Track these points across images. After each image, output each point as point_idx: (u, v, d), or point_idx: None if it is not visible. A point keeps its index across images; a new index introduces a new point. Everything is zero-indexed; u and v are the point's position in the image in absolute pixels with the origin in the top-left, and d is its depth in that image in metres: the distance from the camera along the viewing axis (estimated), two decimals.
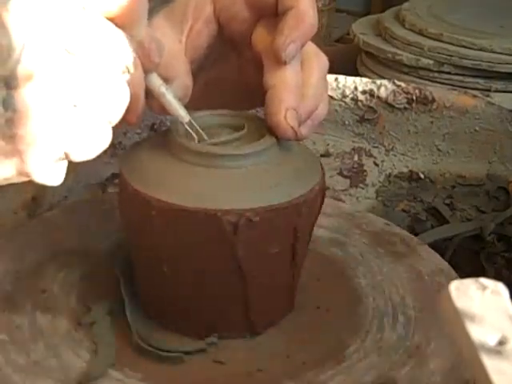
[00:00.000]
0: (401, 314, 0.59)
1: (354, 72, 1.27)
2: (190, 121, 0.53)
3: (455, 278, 0.62)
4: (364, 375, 0.53)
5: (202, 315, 0.56)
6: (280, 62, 0.54)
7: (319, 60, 0.57)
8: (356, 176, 0.88)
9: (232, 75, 0.60)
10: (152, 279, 0.56)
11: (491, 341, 0.33)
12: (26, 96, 0.40)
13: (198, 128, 0.54)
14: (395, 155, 0.88)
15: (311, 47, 0.57)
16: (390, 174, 0.88)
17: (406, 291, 0.62)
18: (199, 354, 0.55)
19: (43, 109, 0.40)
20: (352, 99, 0.86)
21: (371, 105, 0.86)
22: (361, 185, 0.88)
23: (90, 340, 0.55)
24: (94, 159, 0.45)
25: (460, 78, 1.19)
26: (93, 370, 0.52)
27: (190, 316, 0.56)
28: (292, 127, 0.54)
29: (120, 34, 0.42)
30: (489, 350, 0.32)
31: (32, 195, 0.77)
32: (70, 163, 0.44)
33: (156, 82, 0.52)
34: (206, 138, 0.54)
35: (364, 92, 0.86)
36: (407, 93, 0.86)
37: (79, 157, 0.43)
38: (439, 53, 1.20)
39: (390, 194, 0.87)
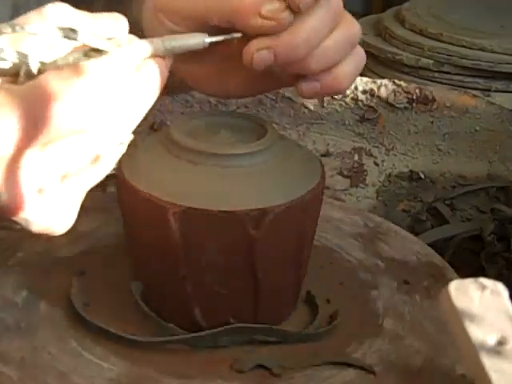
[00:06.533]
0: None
1: None
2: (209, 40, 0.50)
3: (455, 278, 0.62)
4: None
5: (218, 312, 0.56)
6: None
7: None
8: (356, 176, 0.88)
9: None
10: (160, 279, 0.56)
11: (491, 341, 0.33)
12: None
13: (222, 37, 0.51)
14: (395, 155, 0.88)
15: None
16: (390, 174, 0.87)
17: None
18: None
19: None
20: (352, 99, 0.86)
21: (371, 104, 0.86)
22: (361, 185, 0.88)
23: None
24: None
25: (460, 77, 1.19)
26: None
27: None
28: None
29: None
30: (488, 349, 0.32)
31: None
32: None
33: (155, 45, 0.48)
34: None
35: (364, 92, 0.86)
36: (407, 92, 0.86)
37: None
38: (439, 53, 1.19)
39: (391, 194, 0.87)
